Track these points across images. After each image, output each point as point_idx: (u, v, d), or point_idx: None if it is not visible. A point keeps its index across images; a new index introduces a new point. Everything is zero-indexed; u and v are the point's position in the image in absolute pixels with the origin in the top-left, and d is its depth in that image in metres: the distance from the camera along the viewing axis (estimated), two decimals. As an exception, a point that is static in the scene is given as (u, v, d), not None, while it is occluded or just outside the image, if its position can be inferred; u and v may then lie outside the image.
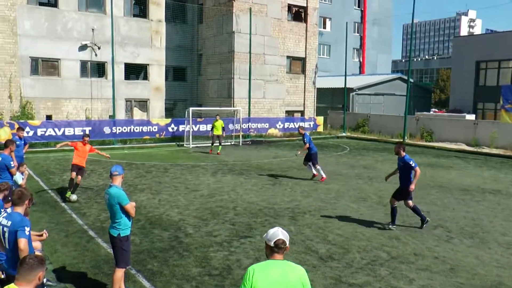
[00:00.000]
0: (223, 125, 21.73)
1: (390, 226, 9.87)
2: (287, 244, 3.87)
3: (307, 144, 15.02)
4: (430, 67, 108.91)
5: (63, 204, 11.44)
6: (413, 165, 9.68)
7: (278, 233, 3.86)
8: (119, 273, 6.25)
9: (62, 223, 9.85)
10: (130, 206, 6.18)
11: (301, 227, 9.84)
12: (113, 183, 6.23)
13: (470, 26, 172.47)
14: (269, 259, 3.87)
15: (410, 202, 9.90)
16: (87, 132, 18.69)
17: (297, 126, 30.16)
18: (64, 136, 21.65)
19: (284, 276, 3.70)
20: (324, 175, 15.10)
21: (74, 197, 11.80)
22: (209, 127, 26.14)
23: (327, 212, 11.15)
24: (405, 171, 9.88)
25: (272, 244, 3.83)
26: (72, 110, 26.81)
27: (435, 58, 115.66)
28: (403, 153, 9.94)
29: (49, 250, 8.06)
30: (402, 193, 9.92)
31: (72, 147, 12.63)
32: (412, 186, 9.77)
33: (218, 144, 21.56)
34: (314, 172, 15.34)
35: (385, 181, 11.17)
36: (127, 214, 6.20)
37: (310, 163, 15.34)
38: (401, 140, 26.60)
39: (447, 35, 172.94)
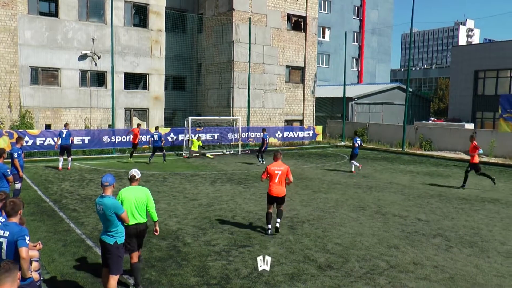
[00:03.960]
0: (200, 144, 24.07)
1: None
2: (137, 177, 6.90)
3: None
4: (429, 77, 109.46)
5: (61, 214, 11.40)
6: None
7: (132, 171, 6.90)
8: (115, 280, 6.30)
9: (59, 232, 9.81)
10: (125, 215, 6.34)
11: (300, 236, 9.81)
12: (105, 193, 6.31)
13: (468, 36, 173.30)
14: (130, 185, 6.87)
15: None
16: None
17: (295, 135, 30.25)
18: (63, 145, 21.61)
19: (137, 193, 6.81)
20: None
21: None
22: (208, 136, 26.31)
23: (326, 221, 11.12)
24: None
25: (129, 177, 6.89)
26: (72, 119, 26.84)
27: (433, 68, 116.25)
28: None
29: (46, 260, 8.03)
30: None
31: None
32: None
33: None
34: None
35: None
36: (121, 222, 6.33)
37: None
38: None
39: (446, 45, 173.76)
